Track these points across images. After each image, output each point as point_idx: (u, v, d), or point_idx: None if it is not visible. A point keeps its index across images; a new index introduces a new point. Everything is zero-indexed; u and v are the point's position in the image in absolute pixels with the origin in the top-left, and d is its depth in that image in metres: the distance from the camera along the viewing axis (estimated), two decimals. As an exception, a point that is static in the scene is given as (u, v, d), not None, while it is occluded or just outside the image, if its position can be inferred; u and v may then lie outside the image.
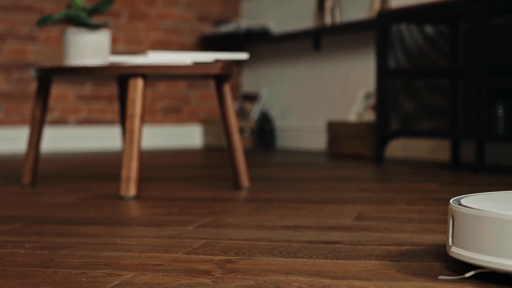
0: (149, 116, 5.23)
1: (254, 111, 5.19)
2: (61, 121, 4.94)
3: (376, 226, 1.61)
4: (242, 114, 5.27)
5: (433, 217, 1.74)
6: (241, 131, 5.04)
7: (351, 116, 4.26)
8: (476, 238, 1.11)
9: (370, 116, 4.15)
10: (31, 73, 2.55)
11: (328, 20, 4.51)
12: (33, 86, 4.85)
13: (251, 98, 5.30)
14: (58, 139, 4.92)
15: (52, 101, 4.90)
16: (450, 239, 1.16)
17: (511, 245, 1.05)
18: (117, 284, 1.08)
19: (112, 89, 5.10)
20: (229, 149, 2.50)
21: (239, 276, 1.13)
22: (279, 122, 5.14)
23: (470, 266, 1.18)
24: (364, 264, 1.22)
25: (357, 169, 3.18)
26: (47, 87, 2.59)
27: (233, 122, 2.49)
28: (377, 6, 4.13)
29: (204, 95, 5.43)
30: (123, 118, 2.87)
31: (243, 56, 2.44)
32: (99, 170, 3.24)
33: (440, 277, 1.09)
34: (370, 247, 1.36)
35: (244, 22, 5.23)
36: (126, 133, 2.26)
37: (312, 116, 4.83)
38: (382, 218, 1.74)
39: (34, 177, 2.60)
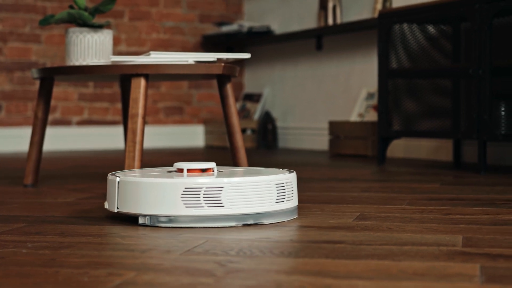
0: (151, 116, 5.23)
1: (256, 111, 5.19)
2: (63, 121, 4.94)
3: (378, 226, 1.61)
4: (244, 114, 5.27)
5: (434, 217, 1.74)
6: (243, 131, 5.04)
7: (353, 116, 4.26)
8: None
9: (372, 116, 4.15)
10: (33, 73, 2.55)
11: (330, 20, 4.51)
12: (35, 86, 4.86)
13: (253, 98, 5.30)
14: (61, 139, 4.92)
15: (54, 101, 4.90)
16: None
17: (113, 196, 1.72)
18: (119, 284, 1.09)
19: (114, 89, 5.11)
20: (232, 149, 2.50)
21: (240, 276, 1.13)
22: (281, 122, 5.14)
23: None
24: (366, 263, 1.22)
25: (359, 169, 3.18)
26: (50, 87, 2.60)
27: (236, 122, 2.49)
28: (379, 6, 4.13)
29: (206, 95, 5.43)
30: (125, 118, 2.87)
31: (245, 56, 2.44)
32: (101, 170, 3.24)
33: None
34: (372, 246, 1.36)
35: (246, 22, 5.23)
36: (128, 133, 2.26)
37: (313, 116, 4.83)
38: (383, 218, 1.74)
39: (36, 177, 2.60)
